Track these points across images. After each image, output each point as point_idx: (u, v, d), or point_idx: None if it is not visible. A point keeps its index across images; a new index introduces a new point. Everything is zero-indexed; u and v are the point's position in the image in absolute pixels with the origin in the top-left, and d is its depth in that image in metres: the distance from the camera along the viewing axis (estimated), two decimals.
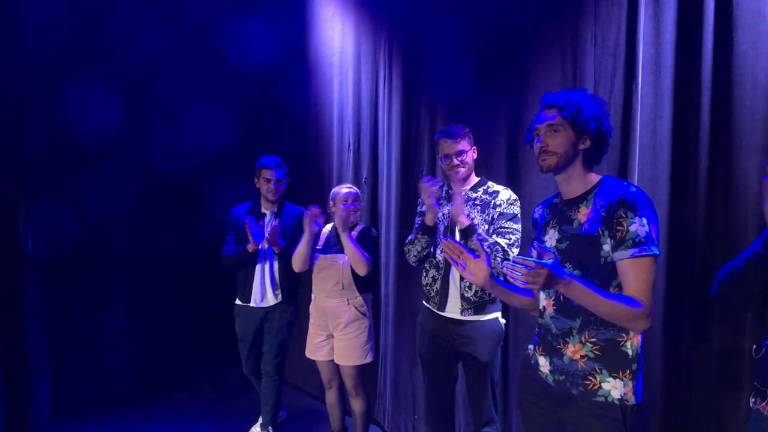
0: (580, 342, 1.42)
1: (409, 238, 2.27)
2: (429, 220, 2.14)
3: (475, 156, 2.22)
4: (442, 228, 2.21)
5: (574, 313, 1.43)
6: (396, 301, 3.08)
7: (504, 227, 2.08)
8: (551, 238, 1.51)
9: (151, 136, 3.90)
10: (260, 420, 3.10)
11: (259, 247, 2.75)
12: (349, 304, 2.60)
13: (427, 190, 2.05)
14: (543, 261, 1.27)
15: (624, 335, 1.40)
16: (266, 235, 2.65)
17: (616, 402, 1.37)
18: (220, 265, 2.93)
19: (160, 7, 3.88)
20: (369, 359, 2.64)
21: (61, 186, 3.41)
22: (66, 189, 3.43)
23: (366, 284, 2.66)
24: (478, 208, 2.15)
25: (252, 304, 2.83)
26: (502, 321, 2.21)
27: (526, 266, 1.25)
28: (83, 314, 3.60)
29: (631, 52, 1.93)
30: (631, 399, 1.38)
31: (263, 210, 2.92)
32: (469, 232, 2.05)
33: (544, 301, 1.55)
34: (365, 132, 3.38)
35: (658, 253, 1.34)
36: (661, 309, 1.83)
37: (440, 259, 2.19)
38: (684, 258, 1.78)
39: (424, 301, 2.32)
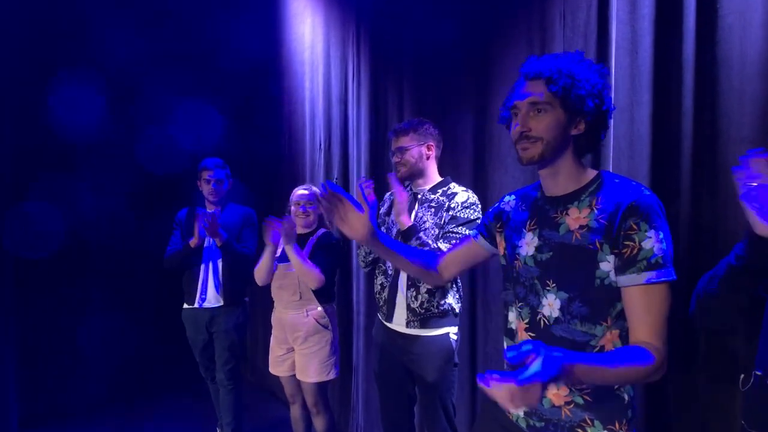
0: (566, 384, 1.09)
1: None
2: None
3: (430, 153, 2.00)
4: (394, 231, 2.00)
5: (556, 345, 1.04)
6: (367, 310, 2.88)
7: (452, 232, 1.85)
8: (529, 243, 1.17)
9: (134, 135, 3.84)
10: (218, 430, 3.01)
11: (203, 243, 2.70)
12: (308, 315, 2.40)
13: (359, 191, 1.88)
14: (528, 374, 0.83)
15: None
16: (204, 223, 2.56)
17: None
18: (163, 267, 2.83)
19: (141, 7, 3.77)
20: (331, 375, 2.44)
21: (40, 186, 3.38)
22: (45, 189, 3.41)
23: (327, 294, 2.46)
24: (432, 210, 1.94)
25: (195, 305, 2.75)
26: (454, 337, 1.96)
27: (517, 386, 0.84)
28: (56, 318, 3.57)
29: (604, 31, 1.70)
30: None
31: (207, 210, 2.84)
32: (409, 233, 1.86)
33: (515, 321, 1.20)
34: (336, 130, 3.19)
35: (675, 277, 1.03)
36: None
37: (389, 265, 2.00)
38: None
39: (378, 312, 2.12)
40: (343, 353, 3.20)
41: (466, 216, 1.87)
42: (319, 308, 2.42)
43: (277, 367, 2.52)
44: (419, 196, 2.01)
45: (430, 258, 1.42)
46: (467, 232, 1.80)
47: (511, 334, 1.22)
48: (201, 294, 2.73)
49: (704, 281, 1.11)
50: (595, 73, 1.10)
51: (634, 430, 1.12)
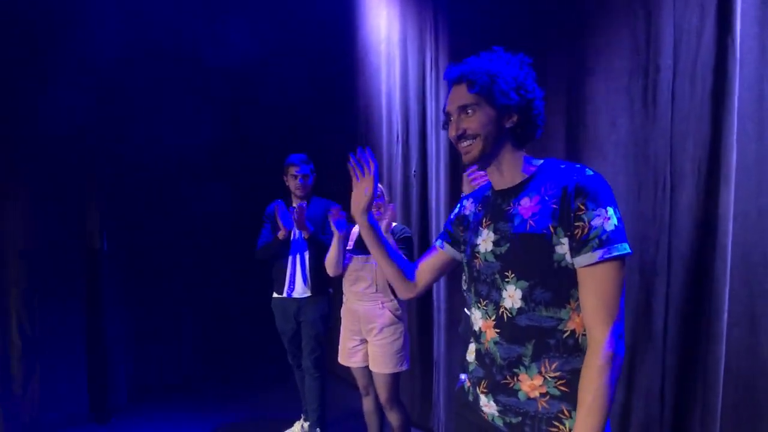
0: (539, 373, 1.08)
1: None
2: None
3: None
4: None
5: (523, 336, 1.08)
6: (448, 306, 2.81)
7: None
8: (486, 240, 1.17)
9: (223, 135, 4.03)
10: (302, 417, 3.08)
11: (290, 236, 2.80)
12: (383, 307, 2.39)
13: (469, 182, 1.79)
14: None
15: None
16: (294, 215, 2.66)
17: None
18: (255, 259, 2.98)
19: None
20: (404, 367, 2.42)
21: (145, 187, 3.73)
22: (150, 190, 3.76)
23: None
24: None
25: (284, 295, 2.86)
26: None
27: None
28: (151, 307, 3.88)
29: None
30: None
31: (294, 205, 2.93)
32: None
33: (480, 321, 1.17)
34: (413, 122, 3.13)
35: (630, 250, 1.03)
36: None
37: None
38: None
39: (465, 308, 2.05)
40: (423, 348, 3.16)
41: None
42: (394, 300, 2.41)
43: (348, 358, 2.54)
44: None
45: (409, 268, 1.40)
46: None
47: (477, 335, 1.20)
48: (289, 284, 2.84)
49: None
50: (513, 66, 1.13)
51: (608, 419, 1.06)
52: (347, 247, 2.49)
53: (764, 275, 1.48)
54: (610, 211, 1.02)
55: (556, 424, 1.07)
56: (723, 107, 1.52)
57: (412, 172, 3.15)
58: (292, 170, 2.87)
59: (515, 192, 1.14)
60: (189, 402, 3.71)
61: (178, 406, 3.61)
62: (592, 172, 1.07)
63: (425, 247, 2.96)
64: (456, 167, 2.73)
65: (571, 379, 1.06)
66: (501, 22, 2.36)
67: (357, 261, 2.44)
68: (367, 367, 2.48)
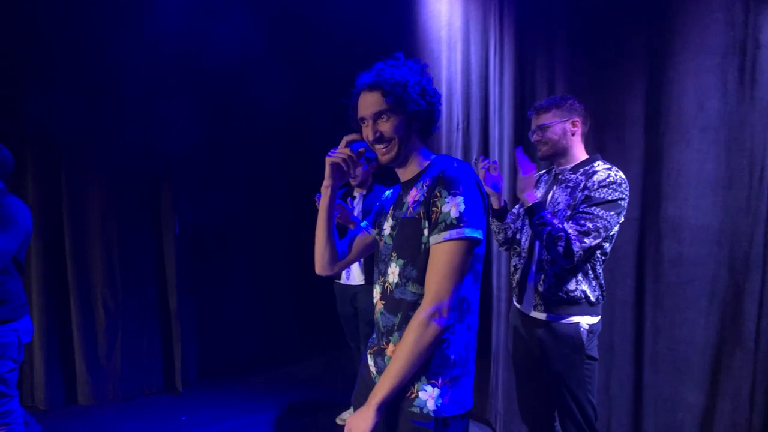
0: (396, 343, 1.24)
1: None
2: (494, 203, 2.03)
3: (576, 129, 1.81)
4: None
5: (396, 307, 1.24)
6: (508, 296, 2.75)
7: (583, 212, 1.65)
8: (387, 226, 1.35)
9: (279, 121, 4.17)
10: None
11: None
12: None
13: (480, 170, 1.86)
14: None
15: (448, 335, 1.20)
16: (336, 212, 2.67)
17: (431, 414, 1.18)
18: None
19: None
20: None
21: (210, 175, 3.88)
22: (214, 176, 3.91)
23: None
24: (569, 190, 1.78)
25: (342, 281, 2.94)
26: (586, 327, 1.76)
27: None
28: (219, 290, 4.05)
29: None
30: (447, 412, 1.19)
31: (354, 193, 2.98)
32: (531, 211, 1.71)
33: (377, 295, 1.34)
34: (475, 109, 3.06)
35: (473, 236, 1.15)
36: None
37: (525, 246, 1.89)
38: None
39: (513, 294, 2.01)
40: (481, 338, 3.11)
41: (602, 196, 1.65)
42: None
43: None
44: (559, 176, 1.86)
45: (341, 247, 1.50)
46: (600, 212, 1.64)
47: (374, 306, 1.36)
48: (347, 271, 2.90)
49: None
50: (416, 73, 1.25)
51: (454, 385, 1.20)
52: None
53: None
54: (460, 199, 1.15)
55: (409, 384, 1.20)
56: None
57: (473, 161, 3.08)
58: None
59: (410, 184, 1.30)
60: (253, 380, 3.85)
61: (242, 384, 3.76)
62: (456, 164, 1.20)
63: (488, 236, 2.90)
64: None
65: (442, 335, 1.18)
66: (576, 4, 2.24)
67: None
68: None
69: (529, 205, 1.73)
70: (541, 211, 1.71)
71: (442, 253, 1.15)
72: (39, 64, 3.13)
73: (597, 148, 2.13)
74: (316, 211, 3.17)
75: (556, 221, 1.68)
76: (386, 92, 1.21)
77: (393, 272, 1.25)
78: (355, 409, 1.39)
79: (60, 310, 3.29)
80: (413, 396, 1.19)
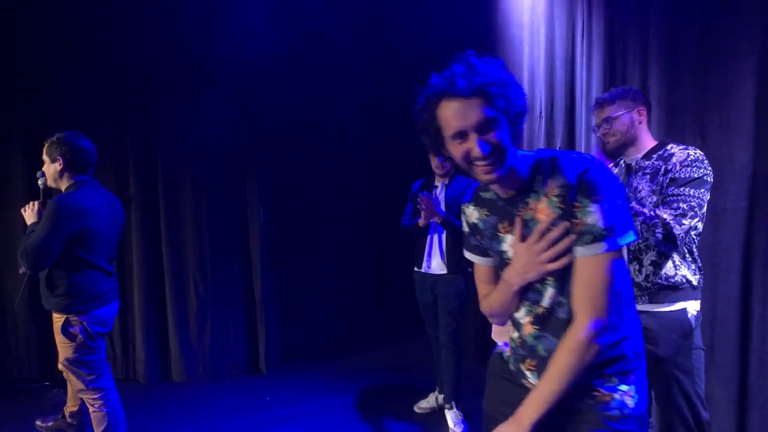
0: None
1: None
2: None
3: (642, 118, 1.83)
4: None
5: (559, 328, 1.12)
6: None
7: (674, 195, 1.64)
8: (510, 249, 1.18)
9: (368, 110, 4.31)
10: (437, 389, 3.14)
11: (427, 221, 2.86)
12: None
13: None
14: None
15: (618, 337, 1.12)
16: (421, 206, 2.73)
17: (632, 414, 1.12)
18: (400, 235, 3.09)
19: None
20: None
21: (292, 168, 4.04)
22: (296, 169, 4.06)
23: None
24: (648, 177, 1.77)
25: (423, 270, 2.95)
26: (693, 313, 1.71)
27: None
28: (302, 276, 4.22)
29: None
30: (643, 407, 1.14)
31: (435, 183, 2.97)
32: None
33: (519, 314, 1.22)
34: (559, 95, 2.95)
35: (625, 242, 1.05)
36: None
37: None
38: None
39: None
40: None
41: (687, 175, 1.65)
42: None
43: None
44: (633, 166, 1.85)
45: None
46: (691, 191, 1.63)
47: (516, 325, 1.25)
48: (427, 261, 2.92)
49: None
50: (507, 72, 1.08)
51: (643, 379, 1.15)
52: None
53: None
54: (605, 206, 1.03)
55: (599, 389, 1.12)
56: None
57: (557, 149, 2.98)
58: None
59: (523, 196, 1.14)
60: (333, 365, 3.97)
61: (323, 368, 3.88)
62: (588, 164, 1.06)
63: None
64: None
65: (607, 352, 1.11)
66: None
67: None
68: None
69: None
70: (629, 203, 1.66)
71: (594, 268, 1.05)
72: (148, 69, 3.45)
73: (698, 133, 2.00)
74: (395, 198, 3.24)
75: (645, 210, 1.66)
76: (490, 96, 1.04)
77: (549, 296, 1.14)
78: (489, 416, 1.33)
79: (156, 294, 3.55)
80: (608, 399, 1.12)
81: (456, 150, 1.09)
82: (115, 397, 2.32)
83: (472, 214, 1.29)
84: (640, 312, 1.72)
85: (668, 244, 1.62)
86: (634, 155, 1.85)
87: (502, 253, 1.21)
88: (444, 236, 2.87)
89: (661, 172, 1.71)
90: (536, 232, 1.10)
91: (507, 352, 1.33)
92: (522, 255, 1.13)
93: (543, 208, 1.10)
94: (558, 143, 2.97)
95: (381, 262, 4.48)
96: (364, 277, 4.50)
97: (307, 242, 4.21)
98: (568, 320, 1.10)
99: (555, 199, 1.08)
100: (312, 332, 4.26)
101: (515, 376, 1.28)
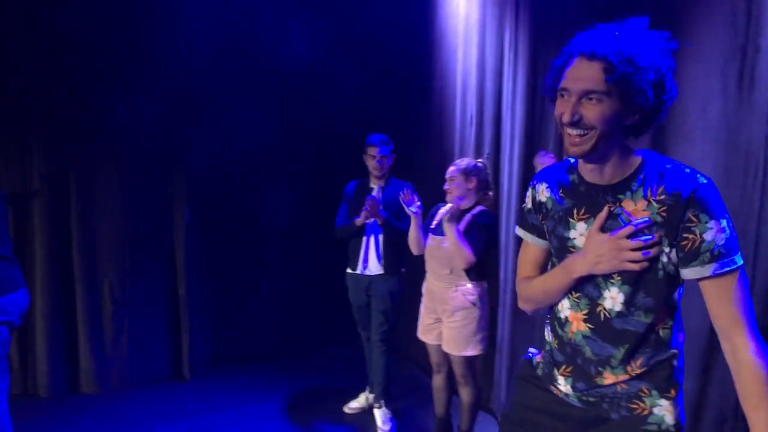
0: (625, 372, 1.11)
1: None
2: None
3: None
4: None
5: (617, 338, 1.09)
6: (514, 288, 2.81)
7: None
8: (584, 235, 1.11)
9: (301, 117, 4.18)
10: (368, 389, 3.18)
11: (367, 220, 2.88)
12: (456, 290, 2.42)
13: (540, 166, 1.79)
14: None
15: (679, 346, 1.12)
16: (366, 207, 2.75)
17: (672, 430, 1.09)
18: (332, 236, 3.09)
19: None
20: (477, 351, 2.43)
21: (212, 167, 3.85)
22: (215, 171, 3.88)
23: (478, 272, 2.43)
24: None
25: (357, 271, 2.97)
26: None
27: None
28: (228, 280, 4.04)
29: None
30: (681, 420, 1.11)
31: (371, 185, 3.01)
32: None
33: (568, 310, 1.16)
34: (489, 104, 3.11)
35: (741, 263, 1.01)
36: None
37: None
38: None
39: None
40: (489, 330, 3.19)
41: None
42: (469, 285, 2.40)
43: (425, 334, 2.59)
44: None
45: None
46: None
47: (561, 323, 1.19)
48: (363, 262, 2.94)
49: None
50: (660, 51, 0.98)
51: (681, 394, 1.13)
52: (431, 226, 2.54)
53: None
54: (723, 222, 0.99)
55: (636, 401, 1.11)
56: None
57: (485, 155, 3.14)
58: (372, 151, 2.92)
59: (614, 191, 1.06)
60: (260, 370, 3.83)
61: (252, 374, 3.76)
62: (705, 180, 1.00)
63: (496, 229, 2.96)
64: (530, 149, 2.69)
65: (653, 366, 1.10)
66: (586, 2, 2.28)
67: (435, 241, 2.48)
68: (440, 345, 2.53)
69: None
70: None
71: (723, 287, 1.00)
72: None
73: None
74: (334, 203, 3.20)
75: None
76: (611, 68, 0.95)
77: (614, 298, 1.08)
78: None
79: (65, 298, 3.25)
80: (646, 413, 1.10)
81: (556, 106, 1.04)
82: (3, 408, 2.17)
83: (543, 192, 1.21)
84: None
85: None
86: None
87: (567, 239, 1.14)
88: (381, 238, 2.91)
89: None
90: (629, 228, 1.03)
91: (537, 358, 1.30)
92: (599, 246, 1.05)
93: (639, 210, 1.03)
94: (486, 150, 3.13)
95: (316, 265, 4.38)
96: (300, 279, 4.38)
97: (240, 245, 4.04)
98: (626, 333, 1.08)
99: (657, 205, 1.01)
100: (244, 336, 4.08)
101: (543, 381, 1.25)
